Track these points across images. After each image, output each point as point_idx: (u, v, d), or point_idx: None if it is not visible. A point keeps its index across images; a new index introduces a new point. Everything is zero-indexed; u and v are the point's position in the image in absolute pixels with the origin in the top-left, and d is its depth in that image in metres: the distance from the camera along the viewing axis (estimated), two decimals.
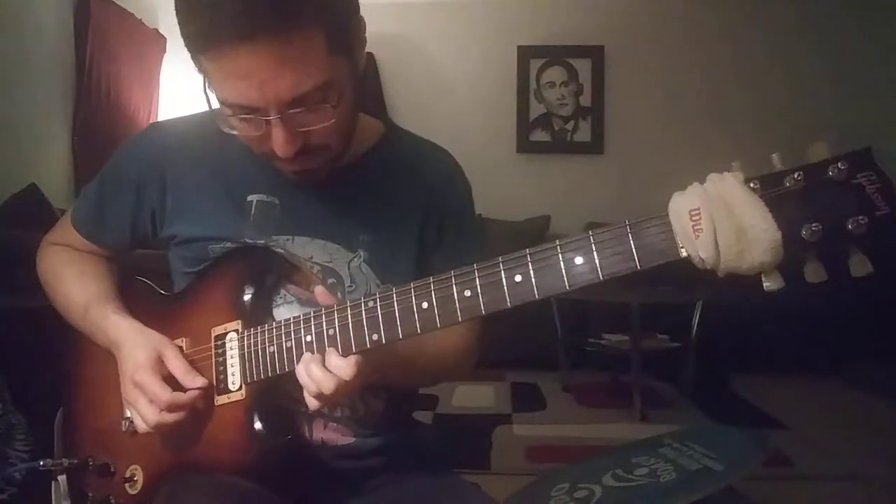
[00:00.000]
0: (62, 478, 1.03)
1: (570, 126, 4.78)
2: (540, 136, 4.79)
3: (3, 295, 1.90)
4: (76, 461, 1.02)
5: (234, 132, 0.86)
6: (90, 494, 1.02)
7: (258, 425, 0.87)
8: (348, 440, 0.97)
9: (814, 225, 0.61)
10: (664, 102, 4.64)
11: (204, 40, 0.78)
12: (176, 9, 0.80)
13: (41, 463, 1.01)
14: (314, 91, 0.80)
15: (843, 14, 4.49)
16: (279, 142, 0.83)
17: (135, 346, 0.93)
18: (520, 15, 4.71)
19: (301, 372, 0.81)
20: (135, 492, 0.96)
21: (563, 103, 4.78)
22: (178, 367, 0.90)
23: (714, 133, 4.50)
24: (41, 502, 1.05)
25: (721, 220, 0.62)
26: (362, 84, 0.93)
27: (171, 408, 0.88)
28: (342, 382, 0.79)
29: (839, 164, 0.61)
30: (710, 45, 4.60)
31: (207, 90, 0.85)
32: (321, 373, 0.80)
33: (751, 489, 1.96)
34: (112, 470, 0.99)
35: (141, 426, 0.90)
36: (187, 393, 0.88)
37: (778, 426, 3.00)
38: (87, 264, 1.08)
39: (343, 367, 0.79)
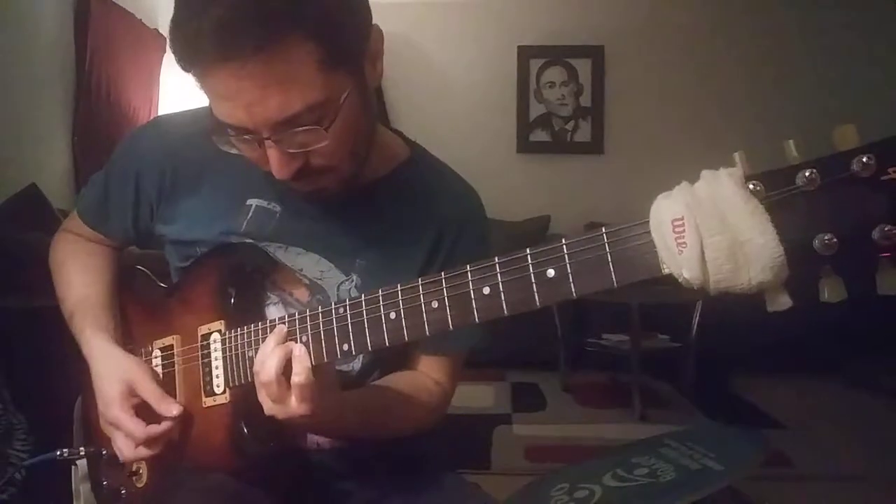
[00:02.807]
0: (82, 462, 1.03)
1: (570, 126, 4.78)
2: (540, 136, 4.79)
3: (4, 295, 1.90)
4: (92, 450, 1.02)
5: (234, 151, 0.83)
6: (105, 483, 1.02)
7: (243, 430, 0.85)
8: (345, 442, 0.96)
9: (827, 236, 0.50)
10: (664, 102, 4.63)
11: (188, 61, 0.75)
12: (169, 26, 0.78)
13: (59, 453, 1.01)
14: (307, 111, 0.75)
15: (845, 14, 4.48)
16: (274, 163, 0.79)
17: (104, 379, 0.92)
18: (520, 15, 4.71)
19: (268, 342, 0.77)
20: (140, 485, 0.97)
21: (563, 103, 4.78)
22: (150, 395, 0.88)
23: (714, 133, 4.50)
24: (43, 500, 1.05)
25: (710, 233, 0.53)
26: (375, 97, 0.87)
27: (147, 443, 0.87)
28: (281, 388, 0.75)
29: (864, 158, 0.49)
30: (711, 45, 4.60)
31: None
32: (275, 358, 0.75)
33: (751, 489, 1.96)
34: (121, 462, 0.99)
35: (121, 457, 0.91)
36: (162, 424, 0.87)
37: (778, 426, 3.00)
38: (89, 259, 1.07)
39: (301, 363, 0.74)
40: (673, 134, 4.58)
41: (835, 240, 0.50)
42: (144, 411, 0.89)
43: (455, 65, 4.76)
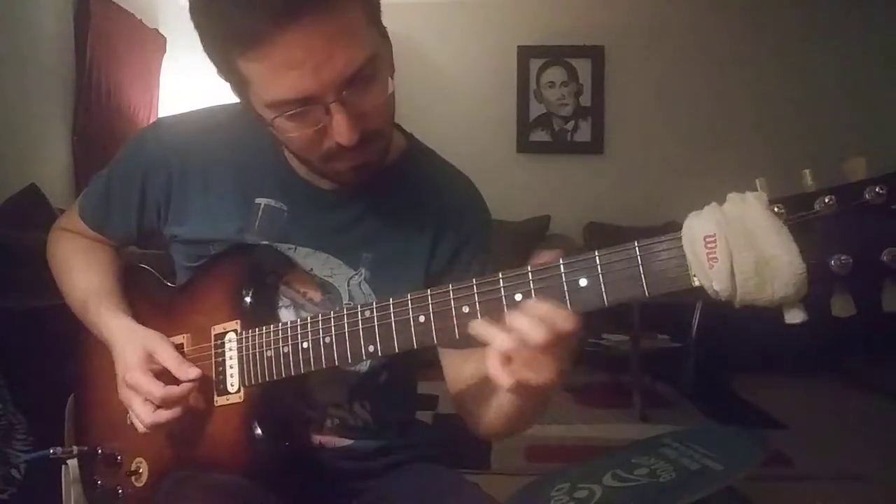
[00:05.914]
0: (73, 462, 1.02)
1: (570, 126, 4.78)
2: (540, 136, 4.79)
3: (4, 295, 1.90)
4: (86, 449, 1.01)
5: (291, 135, 0.81)
6: (99, 482, 1.02)
7: (257, 431, 0.85)
8: (347, 442, 0.96)
9: (843, 256, 0.56)
10: (664, 102, 4.63)
11: (245, 38, 0.74)
12: (200, 17, 0.77)
13: (52, 451, 1.00)
14: (367, 64, 0.76)
15: (848, 13, 4.48)
16: (343, 129, 0.77)
17: (124, 347, 0.92)
18: (520, 15, 4.71)
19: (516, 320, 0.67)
20: (140, 484, 0.96)
21: (563, 103, 4.78)
22: (169, 360, 0.89)
23: (714, 133, 4.50)
24: (43, 499, 1.04)
25: (739, 249, 0.58)
26: None
27: (165, 403, 0.86)
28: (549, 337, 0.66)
29: (877, 188, 0.55)
30: (711, 45, 4.59)
31: (251, 99, 0.81)
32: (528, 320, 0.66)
33: (751, 489, 1.96)
34: (119, 461, 0.99)
35: (139, 426, 0.90)
36: (181, 386, 0.87)
37: (778, 426, 3.00)
38: (92, 255, 1.07)
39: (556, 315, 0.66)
40: (673, 134, 4.58)
41: (850, 260, 0.56)
42: (163, 378, 0.88)
43: (455, 65, 4.76)
